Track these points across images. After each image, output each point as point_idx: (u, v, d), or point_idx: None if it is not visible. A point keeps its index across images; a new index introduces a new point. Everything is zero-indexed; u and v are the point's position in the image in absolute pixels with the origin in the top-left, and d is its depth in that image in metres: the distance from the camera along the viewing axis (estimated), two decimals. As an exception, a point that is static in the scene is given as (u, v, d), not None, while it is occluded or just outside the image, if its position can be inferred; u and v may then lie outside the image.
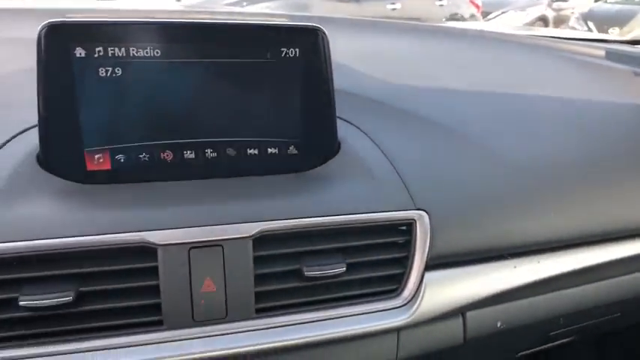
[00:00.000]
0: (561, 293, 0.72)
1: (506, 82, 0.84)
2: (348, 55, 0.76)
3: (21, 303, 0.47)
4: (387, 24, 1.02)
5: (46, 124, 0.51)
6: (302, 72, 0.57)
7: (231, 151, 0.57)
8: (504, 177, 0.67)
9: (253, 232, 0.52)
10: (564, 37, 1.29)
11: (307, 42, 0.56)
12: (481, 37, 1.06)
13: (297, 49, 0.56)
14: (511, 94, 0.80)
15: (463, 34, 1.05)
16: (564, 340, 0.86)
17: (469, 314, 0.66)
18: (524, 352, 0.82)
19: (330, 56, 0.57)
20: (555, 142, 0.74)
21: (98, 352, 0.49)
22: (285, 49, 0.56)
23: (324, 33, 0.56)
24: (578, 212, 0.71)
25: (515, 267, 0.66)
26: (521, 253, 0.67)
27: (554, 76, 0.93)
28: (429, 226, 0.59)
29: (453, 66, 0.86)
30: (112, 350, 0.49)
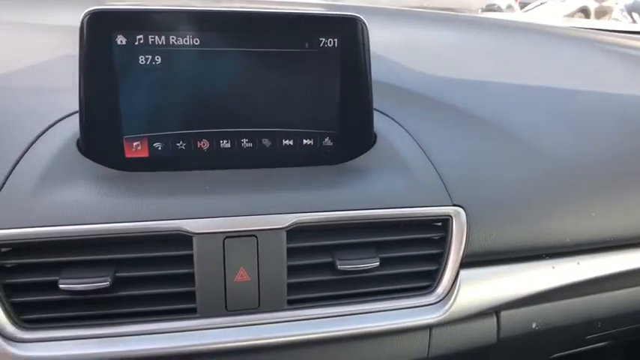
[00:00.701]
0: (601, 296, 0.69)
1: (548, 75, 0.81)
2: (385, 46, 0.74)
3: (61, 286, 0.48)
4: (426, 14, 0.99)
5: (87, 110, 0.52)
6: (340, 62, 0.56)
7: (266, 142, 0.56)
8: (544, 174, 0.65)
9: (287, 224, 0.52)
10: (608, 29, 1.23)
11: (346, 32, 0.55)
12: (522, 28, 1.02)
13: (336, 39, 0.55)
14: (553, 88, 0.77)
15: (504, 25, 1.01)
16: (600, 344, 0.83)
17: (504, 314, 0.64)
18: (557, 355, 0.80)
19: (369, 47, 0.56)
20: (599, 139, 0.72)
21: (132, 337, 0.50)
22: (323, 39, 0.55)
23: (364, 23, 0.55)
24: (621, 213, 0.68)
25: (553, 267, 0.64)
26: (561, 254, 0.65)
27: (599, 69, 0.89)
28: (465, 223, 0.58)
29: (493, 58, 0.84)
30: (145, 336, 0.50)
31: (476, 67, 0.79)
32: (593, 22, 1.56)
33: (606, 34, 1.12)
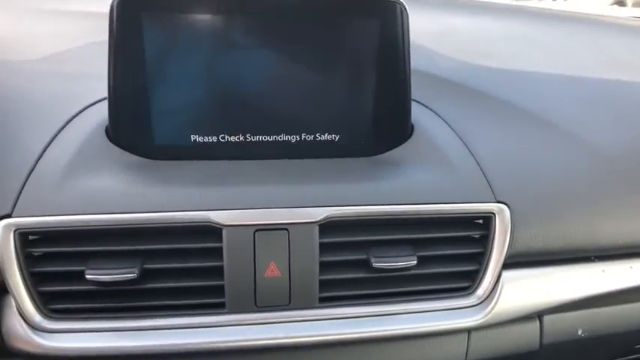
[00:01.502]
0: None
1: (598, 66, 0.76)
2: (423, 34, 0.71)
3: (87, 276, 0.46)
4: (466, 3, 0.95)
5: (115, 95, 0.50)
6: (378, 48, 0.53)
7: None
8: (595, 169, 0.60)
9: (320, 218, 0.50)
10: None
11: (385, 15, 0.52)
12: (567, 17, 0.97)
13: (374, 23, 0.52)
14: (604, 79, 0.72)
15: (546, 13, 0.96)
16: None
17: (547, 318, 0.60)
18: None
19: (408, 32, 0.53)
20: None
21: (159, 331, 0.48)
22: (360, 22, 0.52)
23: (404, 6, 0.52)
24: None
25: (603, 271, 0.60)
26: (611, 256, 0.61)
27: None
28: (509, 221, 0.54)
29: (537, 47, 0.79)
30: (172, 330, 0.48)
31: (520, 57, 0.74)
32: (632, 11, 1.47)
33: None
